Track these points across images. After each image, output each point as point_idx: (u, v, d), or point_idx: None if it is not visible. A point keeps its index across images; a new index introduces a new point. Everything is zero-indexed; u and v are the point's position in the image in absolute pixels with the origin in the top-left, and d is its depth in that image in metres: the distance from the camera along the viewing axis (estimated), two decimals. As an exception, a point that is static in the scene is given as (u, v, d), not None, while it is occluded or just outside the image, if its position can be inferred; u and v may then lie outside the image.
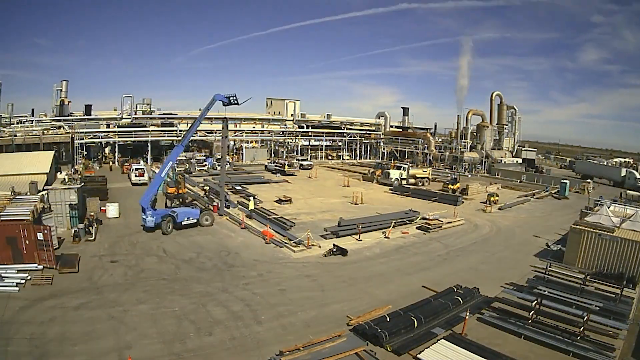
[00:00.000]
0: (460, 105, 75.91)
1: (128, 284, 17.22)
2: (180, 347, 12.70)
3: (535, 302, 16.00)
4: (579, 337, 13.87)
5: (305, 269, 19.97)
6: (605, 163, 66.54)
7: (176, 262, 20.03)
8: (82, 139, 47.73)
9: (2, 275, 16.74)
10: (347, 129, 72.42)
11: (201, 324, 14.17)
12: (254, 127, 63.89)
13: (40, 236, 17.90)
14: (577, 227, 21.72)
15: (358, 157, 72.66)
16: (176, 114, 59.37)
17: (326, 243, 23.50)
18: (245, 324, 14.36)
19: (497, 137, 70.87)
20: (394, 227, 27.11)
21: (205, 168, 49.48)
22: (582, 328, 14.29)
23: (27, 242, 17.84)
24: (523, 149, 72.80)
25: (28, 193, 22.53)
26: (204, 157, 52.62)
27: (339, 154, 72.00)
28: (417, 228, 28.05)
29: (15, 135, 38.60)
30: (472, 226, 29.97)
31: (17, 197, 21.60)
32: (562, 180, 47.39)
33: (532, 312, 15.37)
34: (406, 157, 68.79)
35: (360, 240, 24.83)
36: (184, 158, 48.62)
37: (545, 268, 20.46)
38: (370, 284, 18.53)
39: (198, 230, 25.19)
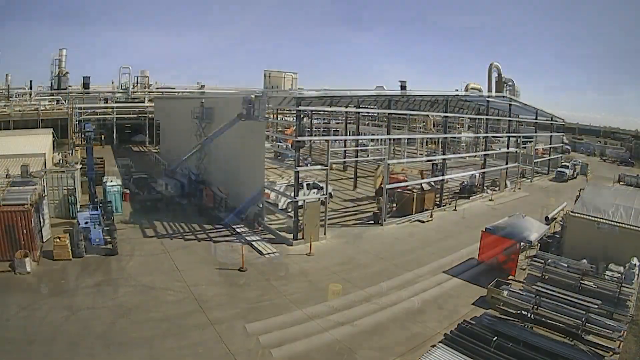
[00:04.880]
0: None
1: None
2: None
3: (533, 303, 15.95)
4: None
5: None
6: None
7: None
8: (80, 116, 46.39)
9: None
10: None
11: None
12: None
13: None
14: (575, 215, 21.23)
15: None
16: (174, 88, 57.98)
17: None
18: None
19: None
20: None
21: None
22: (580, 330, 14.26)
23: (25, 230, 17.39)
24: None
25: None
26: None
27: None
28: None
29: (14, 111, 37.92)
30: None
31: (14, 181, 20.84)
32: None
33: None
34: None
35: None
36: None
37: (544, 264, 20.11)
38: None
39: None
